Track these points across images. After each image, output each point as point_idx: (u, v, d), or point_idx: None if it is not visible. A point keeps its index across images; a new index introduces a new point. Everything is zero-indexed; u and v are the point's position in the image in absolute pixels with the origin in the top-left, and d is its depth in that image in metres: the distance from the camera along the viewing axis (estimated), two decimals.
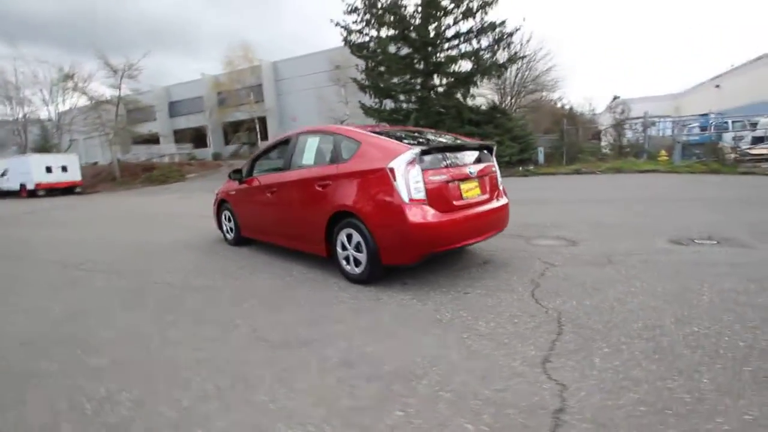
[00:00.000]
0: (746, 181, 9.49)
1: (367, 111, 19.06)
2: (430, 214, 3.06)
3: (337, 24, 18.41)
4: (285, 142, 4.54)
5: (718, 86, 27.40)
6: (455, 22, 17.42)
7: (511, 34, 16.62)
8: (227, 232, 5.42)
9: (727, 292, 2.79)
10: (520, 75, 24.81)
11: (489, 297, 2.95)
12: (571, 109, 23.83)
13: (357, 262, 3.40)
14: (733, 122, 16.96)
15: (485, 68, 16.39)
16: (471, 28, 17.02)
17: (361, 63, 19.24)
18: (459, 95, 18.02)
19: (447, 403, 1.77)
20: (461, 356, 2.16)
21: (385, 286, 3.28)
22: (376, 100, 19.16)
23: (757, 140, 15.99)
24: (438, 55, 18.01)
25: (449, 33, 17.12)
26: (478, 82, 16.91)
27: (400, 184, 3.04)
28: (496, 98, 24.05)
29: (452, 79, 17.97)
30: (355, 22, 18.29)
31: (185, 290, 3.58)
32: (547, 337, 2.29)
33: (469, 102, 18.40)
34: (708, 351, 2.05)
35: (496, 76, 18.25)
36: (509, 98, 24.33)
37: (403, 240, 3.06)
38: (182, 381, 2.06)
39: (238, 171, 4.94)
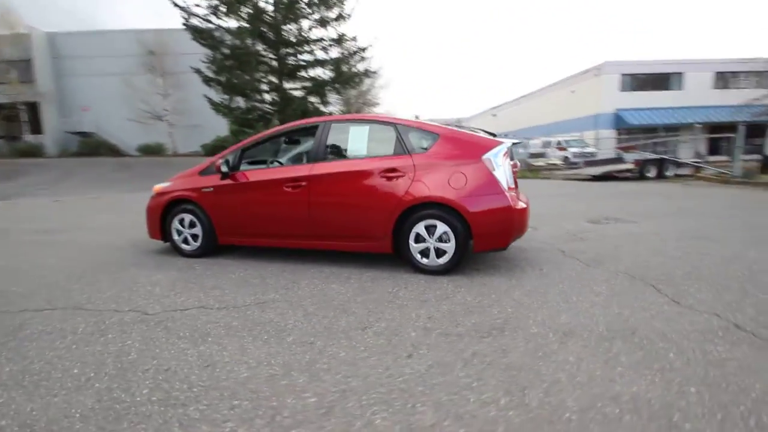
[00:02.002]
0: (552, 183, 13.12)
1: (217, 108, 17.08)
2: (519, 202, 3.34)
3: (176, 4, 15.83)
4: (303, 130, 3.92)
5: (494, 115, 36.09)
6: (310, 29, 17.52)
7: (364, 49, 17.87)
8: (183, 242, 4.19)
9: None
10: (366, 89, 26.66)
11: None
12: None
13: (440, 253, 3.35)
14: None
15: (348, 77, 17.07)
16: (324, 37, 17.45)
17: (198, 52, 17.06)
18: (317, 101, 18.16)
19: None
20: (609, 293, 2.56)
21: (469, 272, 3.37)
22: (226, 96, 17.35)
23: (534, 155, 21.94)
24: (295, 57, 17.72)
25: (310, 36, 17.08)
26: (341, 90, 17.47)
27: (499, 174, 3.21)
28: (342, 110, 25.18)
29: (310, 84, 17.99)
30: (199, 5, 16.14)
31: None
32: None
33: (323, 110, 18.77)
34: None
35: (353, 87, 19.20)
36: (354, 111, 25.80)
37: (502, 226, 3.23)
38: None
39: (225, 163, 3.91)
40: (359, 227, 3.54)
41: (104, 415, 1.66)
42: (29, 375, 1.99)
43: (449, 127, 3.49)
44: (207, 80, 17.01)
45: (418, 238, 3.38)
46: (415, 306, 2.75)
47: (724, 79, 25.72)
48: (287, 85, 18.07)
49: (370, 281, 3.30)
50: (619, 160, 14.57)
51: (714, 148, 20.76)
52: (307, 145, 3.85)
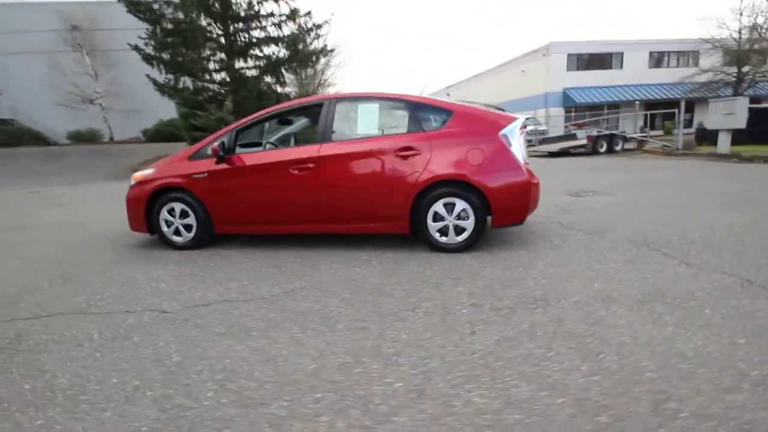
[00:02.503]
0: None
1: (162, 89, 15.76)
2: (534, 177, 3.40)
3: None
4: (303, 109, 3.69)
5: (448, 94, 36.54)
6: (260, 2, 16.49)
7: (320, 26, 17.16)
8: (174, 233, 3.86)
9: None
10: (321, 69, 25.74)
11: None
12: None
13: (459, 231, 3.35)
14: None
15: (304, 55, 16.36)
16: (276, 11, 16.49)
17: (136, 27, 15.57)
18: (273, 81, 17.32)
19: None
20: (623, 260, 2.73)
21: (487, 250, 3.41)
22: (170, 76, 16.04)
23: None
24: (247, 33, 16.66)
25: (260, 10, 16.06)
26: (298, 70, 16.73)
27: (516, 149, 3.24)
28: (297, 91, 24.20)
29: (263, 63, 17.06)
30: None
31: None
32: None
33: (279, 91, 17.98)
34: None
35: (310, 66, 18.42)
36: (311, 91, 24.88)
37: (520, 200, 3.28)
38: None
39: (221, 146, 3.59)
40: (375, 209, 3.44)
41: (176, 425, 1.50)
42: (60, 391, 1.75)
43: (462, 104, 3.44)
44: (147, 58, 15.54)
45: (436, 217, 3.35)
46: (451, 284, 2.74)
47: (658, 58, 27.84)
48: (239, 64, 17.01)
49: (392, 262, 3.24)
50: (572, 136, 15.37)
51: (651, 124, 22.55)
52: (301, 123, 3.63)
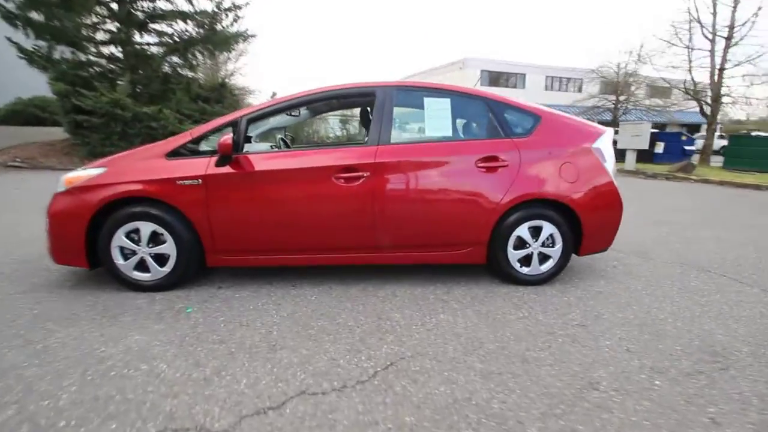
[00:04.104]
0: None
1: (30, 57, 12.36)
2: None
3: None
4: (345, 98, 2.75)
5: None
6: None
7: (239, 7, 15.28)
8: (137, 267, 2.57)
9: None
10: (235, 57, 23.10)
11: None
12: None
13: (543, 259, 2.78)
14: None
15: (224, 37, 14.35)
16: None
17: None
18: (181, 63, 14.90)
19: None
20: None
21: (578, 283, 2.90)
22: (41, 43, 12.67)
23: None
24: (149, 2, 13.98)
25: None
26: (216, 53, 14.62)
27: (609, 165, 2.79)
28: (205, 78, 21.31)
29: (172, 41, 14.56)
30: None
31: None
32: None
33: (189, 74, 15.61)
34: None
35: (228, 50, 16.21)
36: (222, 81, 22.03)
37: (613, 224, 2.83)
38: None
39: (233, 140, 2.43)
40: (448, 233, 2.67)
41: None
42: None
43: (548, 109, 2.89)
44: (7, 16, 12.02)
45: (526, 243, 2.74)
46: (588, 336, 2.13)
47: (552, 83, 31.47)
48: (141, 39, 14.21)
49: (476, 303, 2.51)
50: None
51: None
52: (377, 120, 2.70)
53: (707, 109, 14.89)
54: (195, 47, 14.72)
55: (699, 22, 13.95)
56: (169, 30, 14.50)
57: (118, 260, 2.54)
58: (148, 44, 14.67)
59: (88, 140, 11.62)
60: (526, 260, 2.79)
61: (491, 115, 2.73)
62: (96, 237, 2.51)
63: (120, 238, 2.50)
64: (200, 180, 2.47)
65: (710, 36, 13.94)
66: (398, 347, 1.98)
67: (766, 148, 12.77)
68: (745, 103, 15.27)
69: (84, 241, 2.49)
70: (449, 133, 2.72)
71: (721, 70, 14.07)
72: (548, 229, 2.73)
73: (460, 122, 2.81)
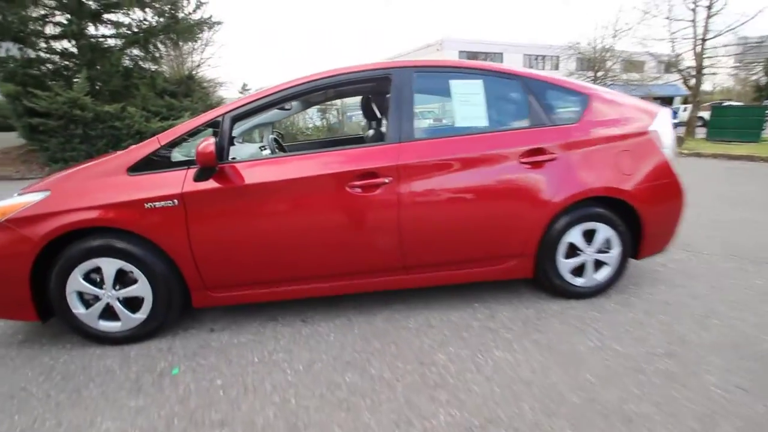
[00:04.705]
0: None
1: None
2: None
3: None
4: (355, 83, 2.21)
5: None
6: None
7: None
8: (102, 316, 2.01)
9: None
10: (201, 47, 21.74)
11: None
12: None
13: (597, 266, 2.36)
14: None
15: (188, 26, 13.32)
16: None
17: None
18: (142, 55, 13.82)
19: None
20: None
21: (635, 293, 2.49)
22: None
23: None
24: None
25: None
26: (180, 43, 13.58)
27: (668, 151, 2.35)
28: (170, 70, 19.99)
29: (131, 32, 13.43)
30: None
31: None
32: None
33: (153, 67, 14.54)
34: None
35: (191, 40, 15.10)
36: (189, 73, 20.73)
37: (675, 221, 2.41)
38: None
39: (216, 146, 1.86)
40: (489, 245, 2.20)
41: None
42: None
43: (597, 87, 2.42)
44: None
45: (577, 250, 2.31)
46: (687, 374, 1.72)
47: (530, 61, 31.12)
48: (95, 31, 13.04)
49: (529, 330, 2.07)
50: None
51: None
52: (394, 111, 2.17)
53: (691, 82, 14.81)
54: (156, 37, 13.66)
55: None
56: (127, 20, 13.38)
57: (78, 309, 1.97)
58: (104, 36, 13.52)
59: (47, 145, 10.62)
60: (577, 270, 2.36)
61: (532, 98, 2.24)
62: (46, 280, 1.93)
63: (77, 281, 1.94)
64: (176, 200, 1.91)
65: (692, 6, 13.75)
66: (458, 411, 1.52)
67: (747, 118, 12.78)
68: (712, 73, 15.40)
69: (29, 287, 1.91)
70: (485, 122, 2.21)
71: (704, 40, 13.94)
72: (604, 231, 2.29)
73: (496, 108, 2.31)
